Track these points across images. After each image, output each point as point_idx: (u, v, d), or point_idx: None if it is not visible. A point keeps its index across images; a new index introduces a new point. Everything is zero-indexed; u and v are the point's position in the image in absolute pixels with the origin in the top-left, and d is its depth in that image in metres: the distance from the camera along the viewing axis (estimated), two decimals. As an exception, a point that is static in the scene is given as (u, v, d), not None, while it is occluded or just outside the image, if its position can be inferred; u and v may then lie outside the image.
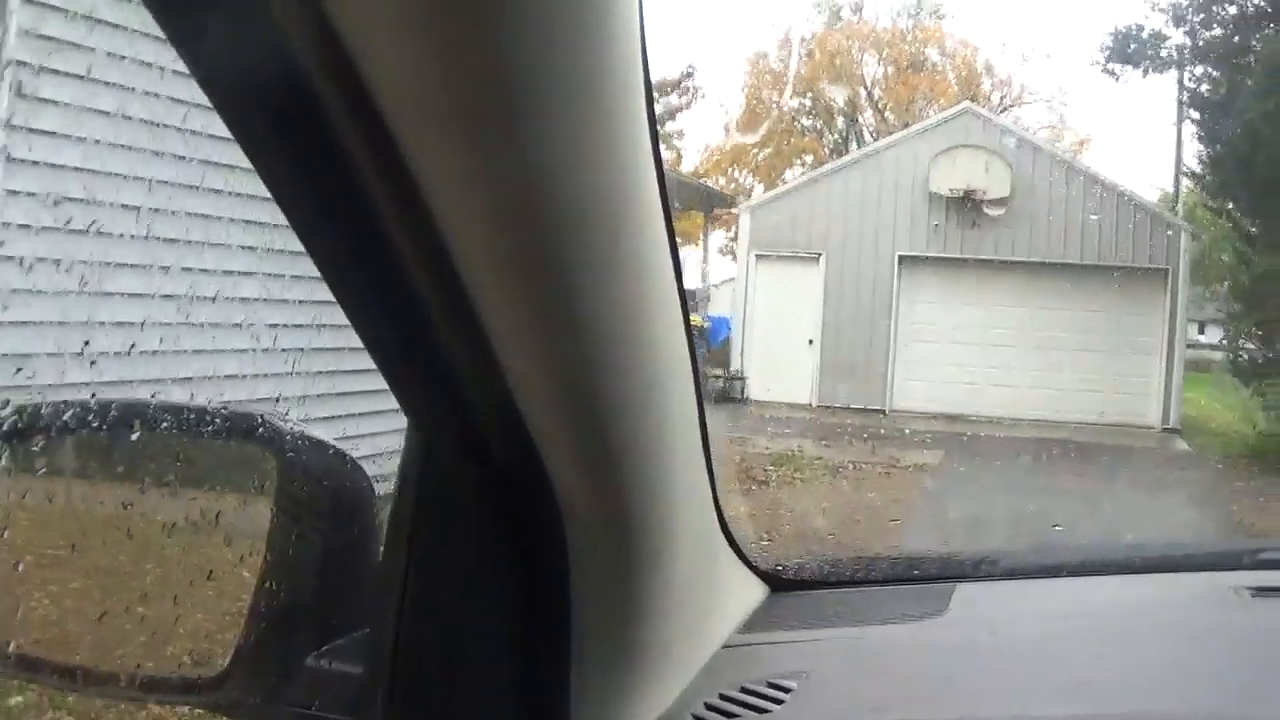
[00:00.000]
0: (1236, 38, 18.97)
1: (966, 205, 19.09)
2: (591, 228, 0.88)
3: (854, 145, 38.38)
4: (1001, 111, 37.64)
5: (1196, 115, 20.60)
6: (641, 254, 0.97)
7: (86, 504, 1.28)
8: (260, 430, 1.25)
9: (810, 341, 19.30)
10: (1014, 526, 10.69)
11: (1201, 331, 24.75)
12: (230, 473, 1.30)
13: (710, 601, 1.44)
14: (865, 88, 40.71)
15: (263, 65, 0.77)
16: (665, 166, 1.04)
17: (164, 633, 1.26)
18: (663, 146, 1.04)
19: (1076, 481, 13.12)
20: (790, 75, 39.31)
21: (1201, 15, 20.87)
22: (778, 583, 1.69)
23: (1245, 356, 18.50)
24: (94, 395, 1.28)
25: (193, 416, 1.29)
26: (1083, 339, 18.53)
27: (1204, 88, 20.47)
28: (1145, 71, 26.16)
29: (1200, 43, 21.46)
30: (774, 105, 38.03)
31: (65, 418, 1.26)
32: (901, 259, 19.37)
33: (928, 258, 19.35)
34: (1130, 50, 25.26)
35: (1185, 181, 24.11)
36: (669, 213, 1.02)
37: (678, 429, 1.16)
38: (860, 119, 40.92)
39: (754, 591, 1.65)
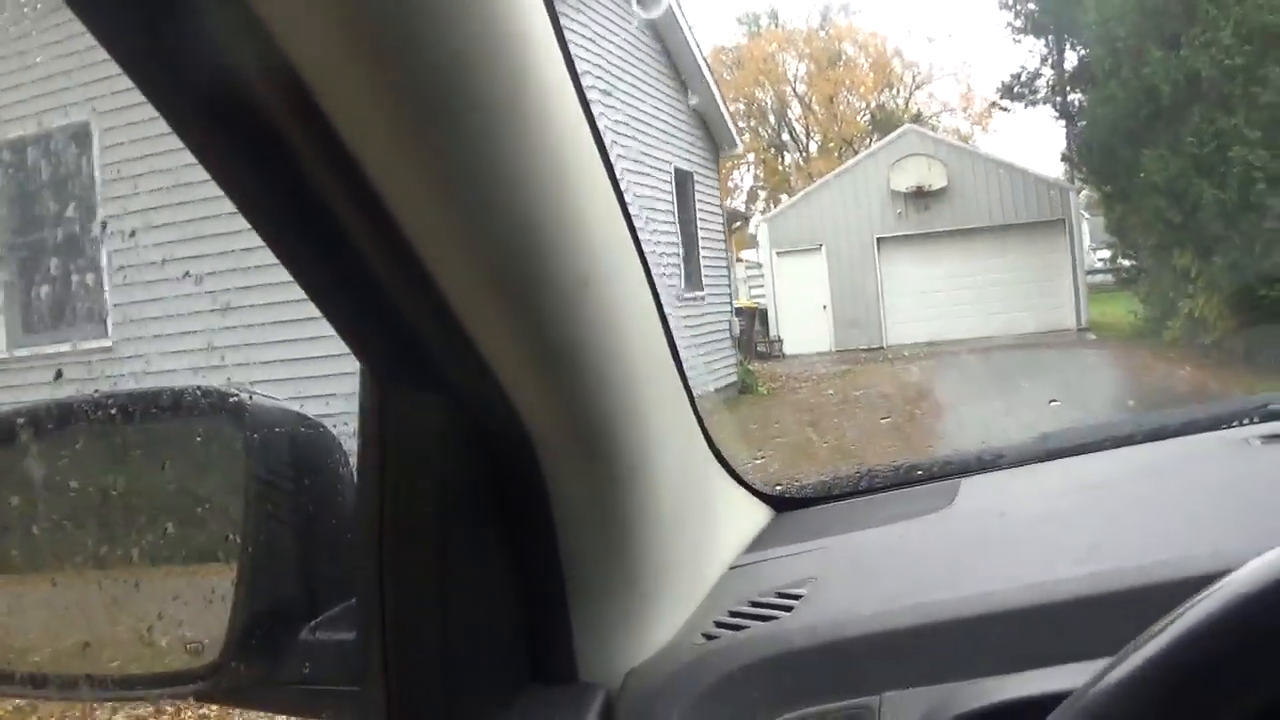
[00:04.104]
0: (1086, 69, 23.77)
1: (918, 196, 24.34)
2: (503, 125, 0.84)
3: (787, 137, 42.21)
4: (915, 89, 43.38)
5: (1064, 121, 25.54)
6: (553, 141, 0.91)
7: (53, 514, 1.20)
8: (220, 406, 1.19)
9: (824, 307, 24.07)
10: (978, 383, 15.43)
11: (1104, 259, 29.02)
12: (195, 454, 1.22)
13: (709, 526, 1.38)
14: (791, 86, 43.70)
15: (190, 46, 0.75)
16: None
17: (151, 627, 1.20)
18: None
19: (1024, 360, 17.68)
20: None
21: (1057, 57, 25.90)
22: (781, 503, 1.65)
23: (1124, 273, 23.70)
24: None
25: (145, 402, 1.24)
26: (1013, 275, 23.22)
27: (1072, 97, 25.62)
28: (1026, 104, 31.52)
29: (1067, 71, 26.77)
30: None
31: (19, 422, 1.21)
32: (879, 240, 24.37)
33: (897, 236, 24.37)
34: (1014, 90, 30.51)
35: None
36: (584, 95, 0.96)
37: (631, 330, 1.08)
38: (789, 114, 43.62)
39: (758, 514, 1.59)
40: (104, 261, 8.54)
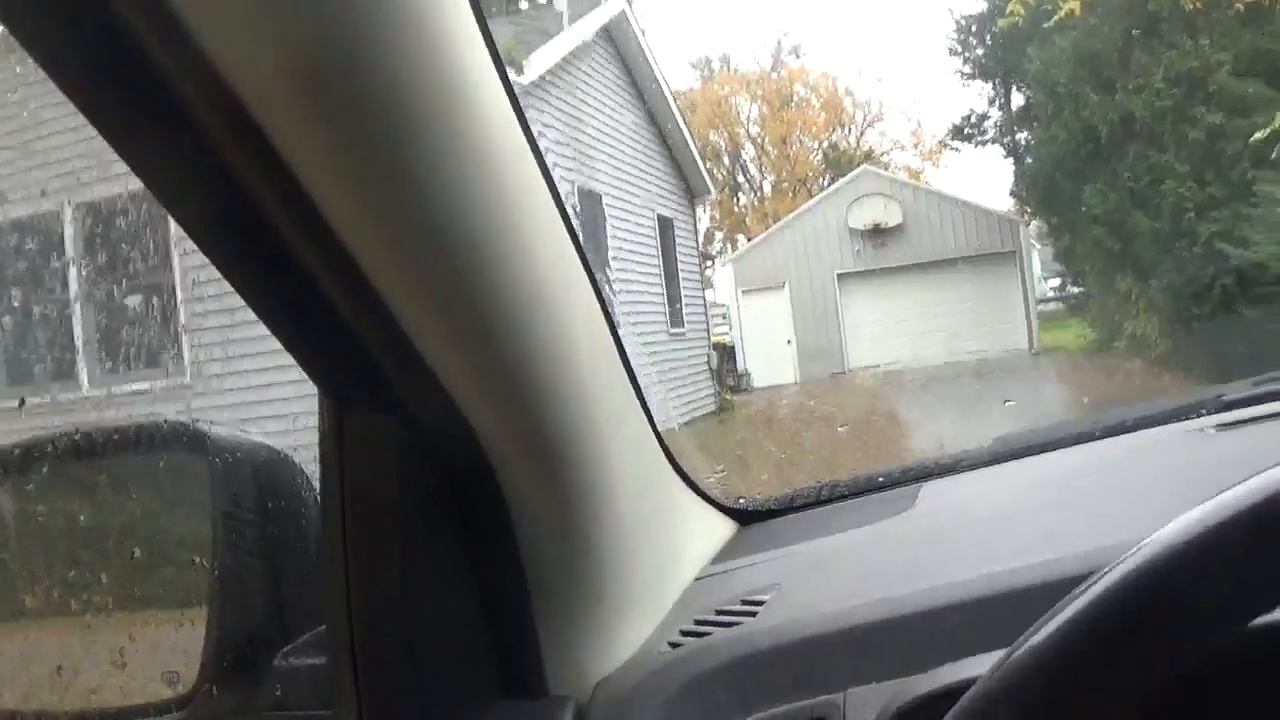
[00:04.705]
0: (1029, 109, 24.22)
1: (875, 234, 24.43)
2: (443, 148, 0.84)
3: (741, 178, 41.29)
4: (866, 128, 41.77)
5: (1012, 159, 25.88)
6: (494, 157, 0.92)
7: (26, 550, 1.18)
8: (182, 436, 1.18)
9: (789, 341, 24.02)
10: (940, 394, 16.10)
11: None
12: (161, 485, 1.21)
13: (672, 539, 1.39)
14: (745, 128, 42.46)
15: (117, 61, 0.74)
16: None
17: (126, 659, 1.19)
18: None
19: (980, 380, 17.95)
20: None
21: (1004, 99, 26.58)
22: (745, 516, 1.66)
23: (1073, 300, 24.64)
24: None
25: (114, 436, 1.23)
26: (968, 305, 23.33)
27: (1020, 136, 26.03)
28: (976, 144, 31.56)
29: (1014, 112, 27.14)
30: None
31: None
32: (839, 276, 24.50)
33: (856, 272, 24.50)
34: (965, 131, 30.76)
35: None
36: (517, 104, 0.96)
37: (583, 348, 1.09)
38: (743, 156, 42.47)
39: (722, 527, 1.61)
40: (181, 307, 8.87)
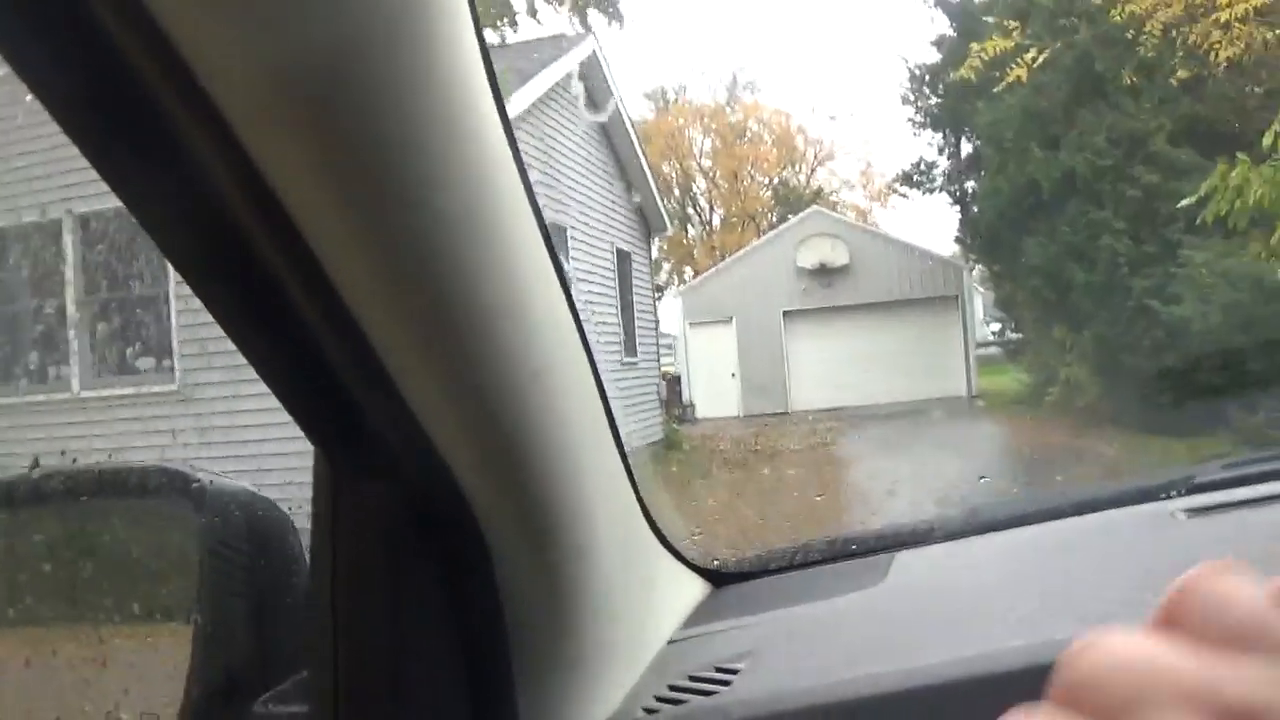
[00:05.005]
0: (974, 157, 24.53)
1: (822, 273, 24.78)
2: (448, 220, 0.84)
3: (691, 210, 40.92)
4: (817, 166, 42.11)
5: (959, 207, 26.02)
6: (505, 236, 0.92)
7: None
8: (179, 486, 1.18)
9: (733, 375, 24.36)
10: (883, 443, 16.34)
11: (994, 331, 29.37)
12: (156, 532, 1.21)
13: (649, 601, 1.39)
14: (697, 161, 42.51)
15: (97, 73, 0.72)
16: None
17: (116, 704, 1.19)
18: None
19: (916, 424, 18.80)
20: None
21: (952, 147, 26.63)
22: (718, 578, 1.65)
23: (1011, 345, 24.66)
24: None
25: (107, 479, 1.24)
26: (909, 347, 23.65)
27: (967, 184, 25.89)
28: (924, 191, 30.45)
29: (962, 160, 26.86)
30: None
31: None
32: (785, 313, 24.80)
33: (802, 310, 24.73)
34: (913, 178, 29.92)
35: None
36: (530, 189, 0.96)
37: (577, 420, 1.10)
38: (694, 188, 42.29)
39: (695, 589, 1.60)
40: (173, 312, 9.15)
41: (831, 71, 75.25)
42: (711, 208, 43.27)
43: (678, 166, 40.49)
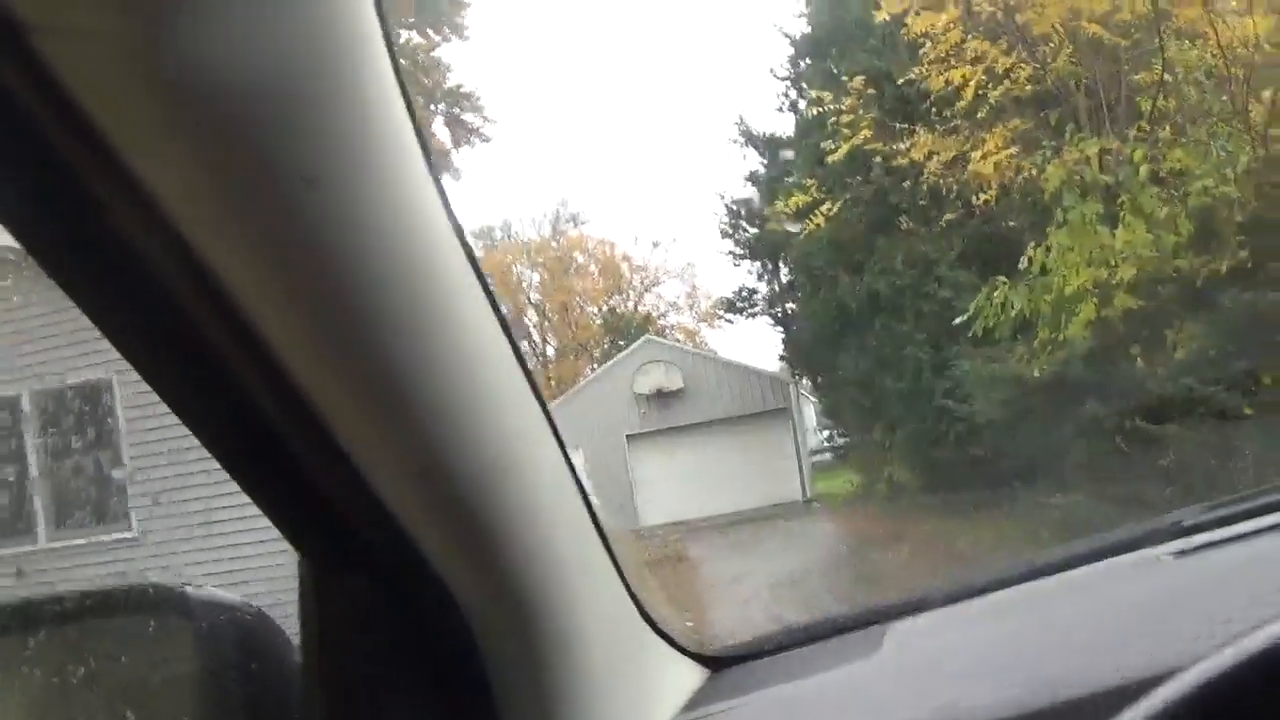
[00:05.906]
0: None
1: (659, 397, 26.33)
2: (399, 300, 0.83)
3: (525, 344, 39.39)
4: (644, 291, 43.32)
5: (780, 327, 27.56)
6: (460, 320, 0.92)
7: None
8: (167, 600, 1.16)
9: None
10: (732, 545, 17.93)
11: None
12: (148, 648, 1.17)
13: (643, 687, 1.37)
14: (527, 295, 43.28)
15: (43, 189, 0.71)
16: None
17: None
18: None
19: (756, 529, 20.43)
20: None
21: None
22: (715, 663, 1.62)
23: (840, 450, 26.69)
24: None
25: (93, 602, 1.22)
26: (746, 458, 25.27)
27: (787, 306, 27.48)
28: (747, 316, 33.68)
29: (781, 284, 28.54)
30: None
31: None
32: (629, 436, 26.26)
33: (644, 433, 26.31)
34: (736, 305, 31.86)
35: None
36: (480, 274, 0.95)
37: (551, 503, 1.09)
38: (526, 322, 42.67)
39: (692, 675, 1.57)
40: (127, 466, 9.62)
41: (653, 199, 79.25)
42: (545, 341, 43.91)
43: (509, 303, 41.20)
